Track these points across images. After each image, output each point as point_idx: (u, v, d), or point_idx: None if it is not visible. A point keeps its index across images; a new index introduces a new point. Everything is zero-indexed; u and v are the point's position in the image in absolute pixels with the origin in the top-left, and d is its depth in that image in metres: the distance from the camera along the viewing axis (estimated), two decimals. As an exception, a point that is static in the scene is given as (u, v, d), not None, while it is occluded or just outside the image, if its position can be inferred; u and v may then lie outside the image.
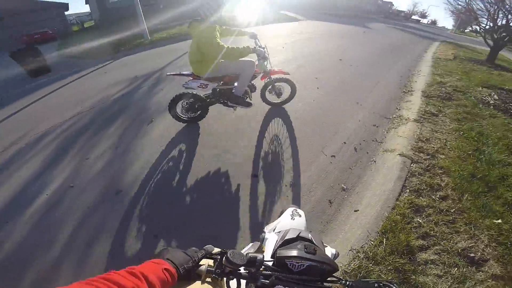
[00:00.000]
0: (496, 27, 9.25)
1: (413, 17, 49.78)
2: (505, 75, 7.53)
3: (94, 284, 0.47)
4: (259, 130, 3.45)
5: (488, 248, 2.00)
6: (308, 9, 21.55)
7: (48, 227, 2.21)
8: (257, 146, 3.14)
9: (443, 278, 1.79)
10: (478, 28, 11.35)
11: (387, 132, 3.60)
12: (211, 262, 0.79)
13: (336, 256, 1.04)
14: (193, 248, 0.80)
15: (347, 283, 0.70)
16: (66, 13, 24.57)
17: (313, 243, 0.84)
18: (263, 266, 0.70)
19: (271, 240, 1.00)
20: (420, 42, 13.24)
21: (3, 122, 4.40)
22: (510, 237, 2.07)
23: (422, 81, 5.76)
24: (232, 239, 2.05)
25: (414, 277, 1.78)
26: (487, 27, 10.11)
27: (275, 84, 3.55)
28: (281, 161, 2.91)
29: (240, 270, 0.69)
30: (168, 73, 3.37)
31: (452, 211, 2.31)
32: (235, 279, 0.69)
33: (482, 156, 3.07)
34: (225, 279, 0.73)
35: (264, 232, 1.16)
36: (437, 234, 2.10)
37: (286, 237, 0.87)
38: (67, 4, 24.27)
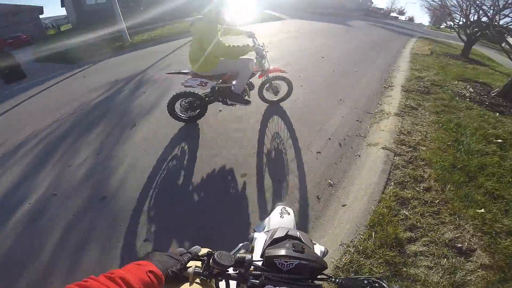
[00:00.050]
0: (468, 22, 9.63)
1: (392, 14, 51.14)
2: (478, 68, 7.88)
3: None
4: (244, 129, 3.46)
5: (474, 238, 2.05)
6: (291, 8, 21.72)
7: (32, 237, 2.12)
8: (245, 145, 3.14)
9: (433, 270, 1.81)
10: (452, 24, 11.81)
11: (370, 127, 3.69)
12: (198, 263, 0.77)
13: (325, 253, 1.04)
14: (180, 249, 0.78)
15: (337, 280, 0.71)
16: (41, 16, 23.59)
17: (301, 241, 0.84)
18: (252, 266, 0.70)
19: (260, 239, 0.99)
20: (398, 38, 13.62)
21: (-24, 132, 4.17)
22: (494, 226, 2.14)
23: (402, 76, 5.93)
24: (219, 242, 2.04)
25: (405, 269, 1.80)
26: (461, 23, 10.54)
27: (273, 82, 3.59)
28: (268, 159, 2.93)
29: (228, 271, 0.68)
30: (167, 72, 3.38)
31: (436, 202, 2.38)
32: (224, 280, 0.68)
33: (461, 146, 3.19)
34: (214, 280, 0.72)
35: (253, 232, 1.16)
36: (424, 226, 2.14)
37: (275, 236, 0.87)
38: (42, 7, 23.28)
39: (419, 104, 4.32)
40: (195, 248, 0.81)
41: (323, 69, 6.08)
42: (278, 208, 1.31)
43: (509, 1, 6.73)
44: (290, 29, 11.93)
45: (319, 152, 3.05)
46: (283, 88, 3.79)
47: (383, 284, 0.66)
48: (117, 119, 3.87)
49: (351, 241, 2.01)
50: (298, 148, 3.12)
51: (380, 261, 1.84)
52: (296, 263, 0.71)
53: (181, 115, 3.40)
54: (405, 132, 3.41)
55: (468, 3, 9.21)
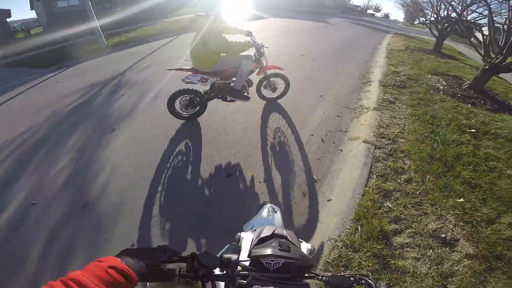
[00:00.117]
0: (439, 18, 10.04)
1: (368, 11, 52.52)
2: (450, 62, 8.23)
3: None
4: (223, 130, 3.44)
5: (457, 228, 2.11)
6: (272, 7, 21.78)
7: (13, 247, 2.03)
8: (231, 145, 3.12)
9: (421, 261, 1.85)
10: (424, 20, 12.28)
11: (350, 122, 3.77)
12: (183, 265, 0.76)
13: (312, 251, 1.05)
14: (162, 245, 0.73)
15: (324, 278, 0.71)
16: (8, 20, 22.36)
17: (288, 239, 0.84)
18: (239, 267, 0.70)
19: (246, 239, 0.99)
20: (375, 34, 14.02)
21: None
22: (474, 215, 2.22)
23: (379, 72, 6.10)
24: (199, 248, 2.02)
25: (393, 261, 1.83)
26: (432, 18, 10.95)
27: (270, 79, 3.64)
28: (251, 158, 2.93)
29: (214, 272, 0.68)
30: (168, 68, 3.51)
31: (417, 193, 2.45)
32: (210, 282, 0.67)
33: (438, 137, 3.33)
34: (200, 282, 0.71)
35: (240, 232, 1.15)
36: (408, 217, 2.19)
37: (261, 236, 0.87)
38: (9, 10, 22.07)
39: (396, 98, 4.46)
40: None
41: (303, 66, 6.15)
42: (266, 207, 1.31)
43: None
44: (271, 27, 11.97)
45: (302, 148, 3.09)
46: (281, 85, 3.86)
47: (369, 280, 0.67)
48: (96, 124, 3.73)
49: (338, 236, 2.04)
50: (282, 145, 3.14)
51: (368, 254, 1.86)
52: (282, 262, 0.71)
53: (181, 113, 3.43)
54: (384, 126, 3.52)
55: (438, -1, 9.59)
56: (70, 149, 3.20)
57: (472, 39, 6.60)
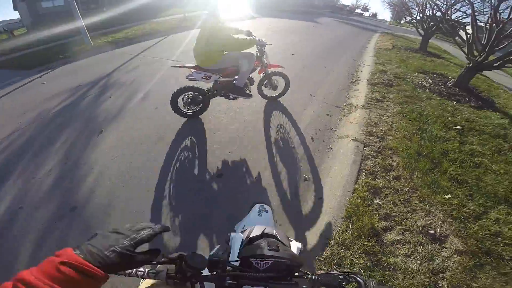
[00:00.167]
0: (425, 17, 10.25)
1: (357, 11, 53.12)
2: (436, 61, 8.41)
3: None
4: (217, 129, 3.42)
5: (445, 224, 2.15)
6: (263, 7, 21.79)
7: (1, 250, 1.98)
8: (221, 145, 3.11)
9: (411, 258, 1.87)
10: (410, 19, 12.52)
11: (339, 120, 3.81)
12: (172, 267, 0.75)
13: (301, 250, 1.06)
14: (143, 224, 0.58)
15: (313, 277, 0.71)
16: (-11, 20, 21.73)
17: (277, 239, 0.85)
18: (228, 267, 0.69)
19: (236, 239, 0.99)
20: (363, 34, 14.20)
21: None
22: (462, 211, 2.27)
23: (367, 71, 6.18)
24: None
25: (384, 258, 1.84)
26: (418, 18, 11.18)
27: (272, 77, 3.70)
28: (243, 157, 2.92)
29: (203, 273, 0.67)
30: (172, 65, 3.59)
31: (406, 190, 2.48)
32: (199, 283, 0.67)
33: (424, 134, 3.40)
34: (189, 283, 0.70)
35: (230, 233, 1.15)
36: (397, 214, 2.21)
37: (251, 236, 0.87)
38: (-10, 10, 21.45)
39: (384, 96, 4.53)
40: (163, 226, 0.61)
41: (294, 66, 6.17)
42: (256, 206, 1.31)
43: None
44: (261, 27, 11.97)
45: (293, 147, 3.10)
46: (281, 84, 3.90)
47: (358, 278, 0.67)
48: (83, 126, 3.65)
49: (330, 234, 2.05)
50: (272, 144, 3.15)
51: (359, 251, 1.87)
52: (271, 261, 0.70)
53: (184, 111, 3.45)
54: (373, 124, 3.56)
55: (423, -2, 9.79)
56: (57, 151, 3.13)
57: (457, 37, 6.77)
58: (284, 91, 4.02)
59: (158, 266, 0.73)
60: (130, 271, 0.68)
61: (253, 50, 3.20)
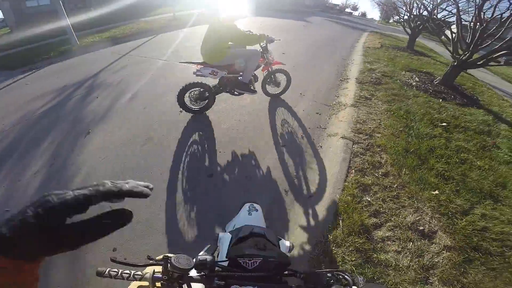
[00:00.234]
0: (412, 16, 10.42)
1: (346, 10, 53.60)
2: (422, 59, 8.57)
3: None
4: (207, 128, 3.40)
5: (434, 220, 2.18)
6: (254, 6, 21.78)
7: None
8: (213, 143, 3.09)
9: (402, 254, 1.89)
10: (398, 18, 12.71)
11: (329, 118, 3.84)
12: (158, 268, 0.74)
13: (291, 248, 1.06)
14: (91, 186, 0.40)
15: (302, 275, 0.72)
16: (-29, 20, 21.01)
17: (266, 238, 0.85)
18: (217, 267, 0.69)
19: (225, 239, 0.99)
20: (352, 33, 14.33)
21: None
22: (449, 207, 2.31)
23: (356, 69, 6.25)
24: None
25: (375, 255, 1.86)
26: (405, 17, 11.35)
27: (275, 74, 3.78)
28: (233, 157, 2.92)
29: (190, 273, 0.66)
30: (180, 61, 3.83)
31: (394, 186, 2.51)
32: (186, 284, 0.66)
33: (412, 131, 3.46)
34: (176, 284, 0.69)
35: (219, 233, 1.15)
36: (386, 211, 2.24)
37: (239, 235, 0.88)
38: (-29, 10, 20.71)
39: (372, 95, 4.59)
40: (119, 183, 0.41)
41: (285, 65, 6.18)
42: (246, 206, 1.32)
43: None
44: (252, 26, 11.90)
45: (284, 146, 3.11)
46: (283, 81, 3.96)
47: (346, 275, 0.68)
48: (69, 127, 3.57)
49: (320, 232, 2.06)
50: (263, 143, 3.15)
51: (350, 249, 1.89)
52: (259, 261, 0.71)
53: (191, 107, 3.50)
54: (361, 121, 3.61)
55: (411, -2, 9.95)
56: (43, 154, 3.05)
57: (443, 36, 6.90)
58: (286, 88, 4.08)
59: (147, 268, 0.72)
60: (115, 272, 0.67)
61: (257, 47, 3.32)
